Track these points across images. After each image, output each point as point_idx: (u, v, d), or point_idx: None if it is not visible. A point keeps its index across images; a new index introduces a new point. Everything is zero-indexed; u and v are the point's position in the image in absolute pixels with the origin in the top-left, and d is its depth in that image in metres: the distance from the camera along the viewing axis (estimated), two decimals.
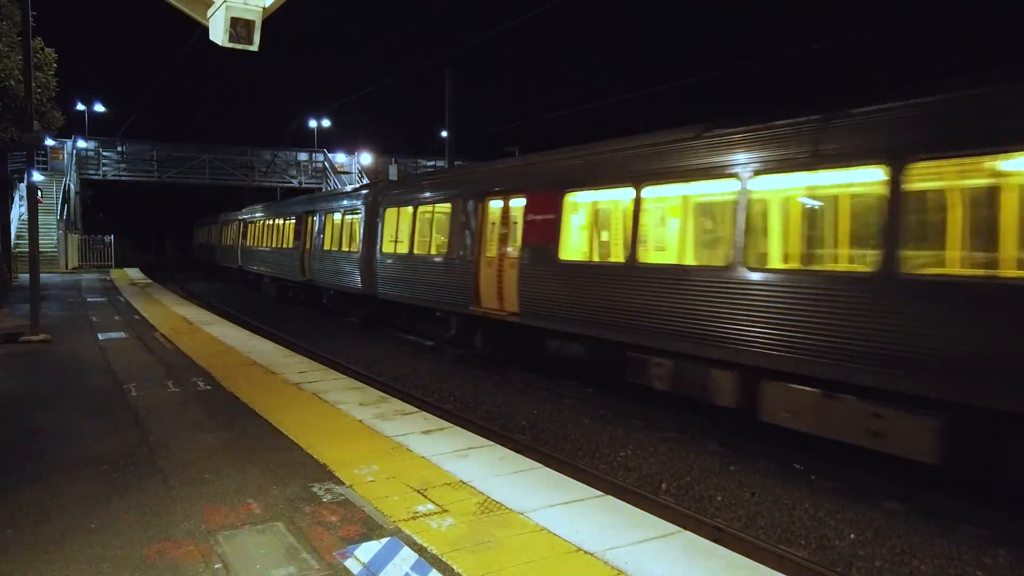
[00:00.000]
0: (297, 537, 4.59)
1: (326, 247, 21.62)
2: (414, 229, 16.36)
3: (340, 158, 51.87)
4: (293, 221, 25.16)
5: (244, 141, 49.62)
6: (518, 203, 12.81)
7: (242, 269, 34.13)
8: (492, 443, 6.83)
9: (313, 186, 47.18)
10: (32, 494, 5.35)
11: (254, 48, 6.52)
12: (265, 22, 6.59)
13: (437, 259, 15.31)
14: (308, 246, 23.20)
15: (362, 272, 18.50)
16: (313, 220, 23.03)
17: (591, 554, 4.36)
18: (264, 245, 29.53)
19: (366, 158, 51.99)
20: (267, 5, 6.56)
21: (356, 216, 19.49)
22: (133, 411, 7.81)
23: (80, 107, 44.99)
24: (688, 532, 4.84)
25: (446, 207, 15.10)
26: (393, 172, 48.82)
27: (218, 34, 6.50)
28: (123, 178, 45.51)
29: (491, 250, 13.44)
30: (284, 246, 26.09)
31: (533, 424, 10.41)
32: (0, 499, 5.25)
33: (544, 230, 11.81)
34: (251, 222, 32.65)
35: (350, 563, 4.24)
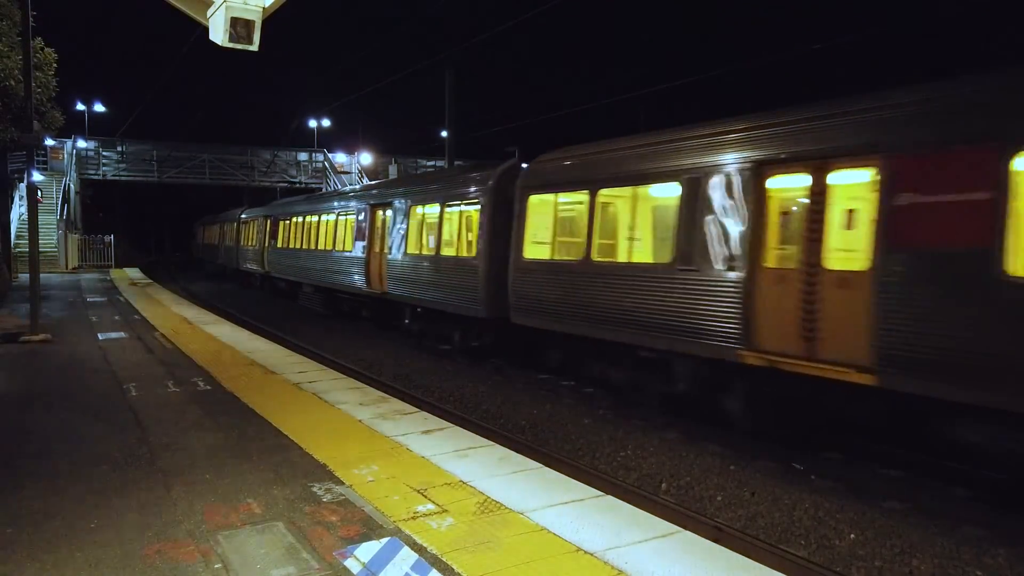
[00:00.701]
0: (297, 537, 4.59)
1: (411, 250, 16.08)
2: (593, 224, 11.08)
3: (340, 158, 51.90)
4: (353, 216, 19.78)
5: (244, 141, 49.72)
6: (850, 177, 7.93)
7: (269, 275, 28.59)
8: (492, 443, 6.83)
9: (314, 186, 47.20)
10: (32, 494, 5.35)
11: (254, 48, 6.53)
12: (265, 22, 6.59)
13: (651, 271, 10.08)
14: (380, 248, 17.82)
15: (483, 286, 13.20)
16: (387, 215, 17.63)
17: (591, 554, 4.36)
18: (305, 247, 23.80)
19: (366, 158, 52.02)
20: (267, 5, 6.56)
21: (471, 207, 14.20)
22: (133, 411, 7.81)
23: (80, 107, 45.05)
24: (688, 532, 4.83)
25: (667, 189, 10.04)
26: (393, 172, 48.93)
27: (218, 34, 6.51)
28: (123, 178, 45.57)
29: (777, 257, 8.59)
30: (339, 248, 20.64)
31: (533, 424, 10.41)
32: (0, 499, 5.25)
33: (953, 221, 6.77)
34: (283, 219, 27.02)
35: (350, 563, 4.24)
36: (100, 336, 13.53)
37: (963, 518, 6.90)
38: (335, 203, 22.17)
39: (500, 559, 4.30)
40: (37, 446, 6.58)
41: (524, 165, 13.49)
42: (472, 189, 14.22)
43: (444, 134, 30.33)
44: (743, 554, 4.53)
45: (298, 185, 47.51)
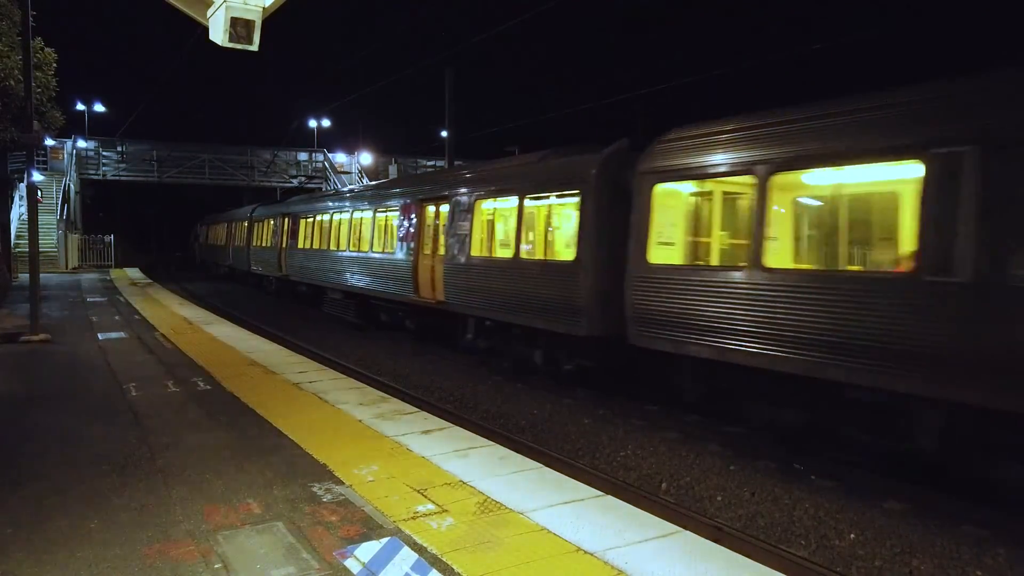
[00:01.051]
0: (297, 537, 4.59)
1: (477, 252, 13.52)
2: (763, 219, 8.32)
3: (340, 158, 51.98)
4: (396, 213, 17.15)
5: (244, 141, 49.80)
6: None
7: (287, 279, 26.12)
8: (492, 443, 6.83)
9: (314, 186, 47.26)
10: (32, 494, 5.35)
11: (254, 48, 6.53)
12: (265, 22, 6.59)
13: (874, 281, 7.40)
14: (432, 250, 15.22)
15: (586, 297, 10.62)
16: (442, 211, 14.99)
17: (591, 554, 4.36)
18: (333, 248, 21.15)
19: (366, 158, 52.07)
20: (267, 5, 6.56)
21: (566, 200, 11.75)
22: (133, 411, 7.81)
23: (80, 107, 45.09)
24: (688, 532, 4.84)
25: (895, 171, 7.61)
26: (393, 172, 49.00)
27: (218, 34, 6.51)
28: (123, 178, 45.63)
29: None
30: (376, 250, 18.10)
31: (533, 424, 10.42)
32: (0, 498, 5.25)
33: None
34: (305, 217, 24.34)
35: (350, 563, 4.24)
36: (100, 336, 13.53)
37: (963, 518, 6.90)
38: (371, 199, 19.36)
39: (500, 559, 4.30)
40: (37, 446, 6.58)
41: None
42: (568, 178, 11.53)
43: (444, 134, 30.35)
44: (743, 554, 4.53)
45: (297, 185, 47.56)
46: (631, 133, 11.58)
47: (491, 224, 13.86)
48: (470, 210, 13.74)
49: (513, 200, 12.72)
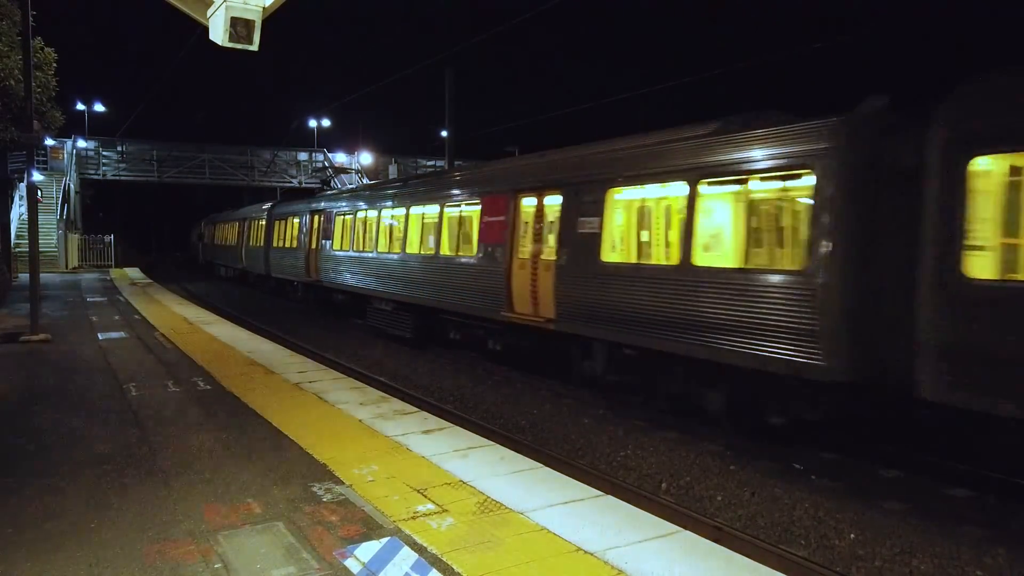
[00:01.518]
0: (297, 537, 4.59)
1: (609, 256, 10.48)
2: None
3: (340, 158, 51.99)
4: (476, 208, 13.80)
5: (244, 141, 49.86)
6: None
7: (318, 285, 22.61)
8: (492, 443, 6.84)
9: (313, 186, 47.30)
10: (32, 493, 5.35)
11: (254, 48, 6.54)
12: (265, 22, 6.60)
13: None
14: (534, 254, 12.01)
15: (832, 325, 7.46)
16: (549, 204, 11.95)
17: (591, 554, 4.36)
18: (383, 250, 17.75)
19: (366, 158, 52.10)
20: (267, 5, 6.57)
21: (778, 184, 8.64)
22: (133, 411, 7.82)
23: (80, 107, 45.13)
24: (688, 532, 4.84)
25: None
26: (393, 172, 49.02)
27: (218, 34, 6.52)
28: (123, 178, 45.71)
29: None
30: (448, 253, 14.75)
31: (533, 424, 10.41)
32: (0, 498, 5.25)
33: None
34: (344, 214, 20.85)
35: (350, 563, 4.24)
36: (100, 336, 13.53)
37: (963, 518, 6.90)
38: (437, 190, 15.90)
39: (500, 559, 4.30)
40: (37, 446, 6.58)
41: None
42: (787, 152, 8.10)
43: (444, 134, 30.35)
44: (743, 554, 4.53)
45: (297, 185, 47.57)
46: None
47: (634, 219, 10.81)
48: (599, 202, 10.60)
49: (677, 186, 9.61)
